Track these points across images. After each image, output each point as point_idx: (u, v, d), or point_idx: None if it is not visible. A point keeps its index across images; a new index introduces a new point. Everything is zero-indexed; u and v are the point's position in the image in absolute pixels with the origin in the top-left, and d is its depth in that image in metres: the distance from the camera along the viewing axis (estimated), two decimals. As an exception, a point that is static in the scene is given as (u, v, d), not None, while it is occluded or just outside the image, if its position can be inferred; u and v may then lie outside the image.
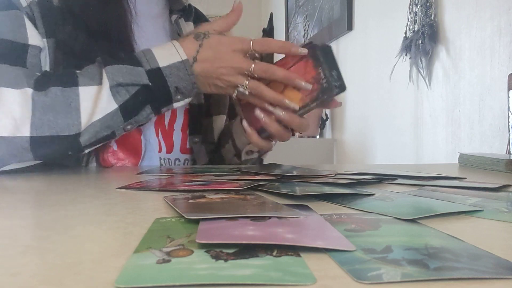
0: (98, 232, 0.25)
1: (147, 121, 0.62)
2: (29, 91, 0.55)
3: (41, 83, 0.56)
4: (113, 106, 0.57)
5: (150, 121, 0.70)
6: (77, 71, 0.58)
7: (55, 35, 0.64)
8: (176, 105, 0.62)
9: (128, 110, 0.58)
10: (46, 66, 0.63)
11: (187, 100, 0.63)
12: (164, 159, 0.74)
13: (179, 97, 0.61)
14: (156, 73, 0.58)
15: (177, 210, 0.30)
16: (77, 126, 0.56)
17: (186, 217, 0.27)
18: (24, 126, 0.54)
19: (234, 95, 0.62)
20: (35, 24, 0.63)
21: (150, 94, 0.59)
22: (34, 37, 0.62)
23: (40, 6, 0.63)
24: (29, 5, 0.63)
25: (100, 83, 0.57)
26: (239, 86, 0.60)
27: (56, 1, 0.65)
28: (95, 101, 0.56)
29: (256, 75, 0.60)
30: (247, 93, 0.60)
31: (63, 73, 0.60)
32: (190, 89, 0.61)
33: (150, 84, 0.58)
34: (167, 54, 0.59)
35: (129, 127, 0.60)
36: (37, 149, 0.55)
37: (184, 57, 0.59)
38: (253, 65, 0.60)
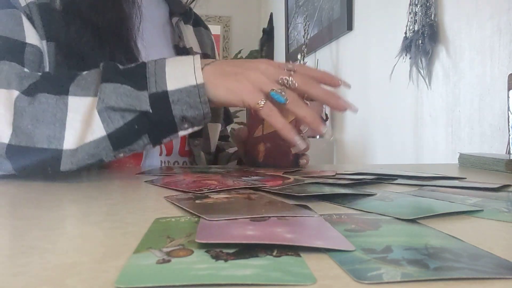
0: (98, 232, 0.25)
1: (143, 150, 0.53)
2: (15, 94, 0.49)
3: (33, 88, 0.50)
4: (101, 133, 0.47)
5: None
6: (74, 77, 0.51)
7: (55, 39, 0.62)
8: (182, 133, 0.51)
9: (120, 139, 0.48)
10: (45, 68, 0.62)
11: (196, 128, 0.51)
12: (164, 161, 0.74)
13: (186, 125, 0.50)
14: (160, 98, 0.48)
15: (194, 213, 0.29)
16: (58, 141, 0.47)
17: (207, 219, 0.27)
18: (4, 131, 0.47)
19: (262, 103, 0.48)
20: (33, 25, 0.62)
21: (149, 123, 0.49)
22: (31, 36, 0.60)
23: (41, 8, 0.62)
24: (28, 5, 0.62)
25: (95, 95, 0.49)
26: (274, 90, 0.48)
27: (58, 5, 0.64)
28: (86, 119, 0.48)
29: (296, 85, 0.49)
30: (285, 100, 0.48)
31: (58, 77, 0.53)
32: (201, 119, 0.50)
33: (151, 111, 0.48)
34: (180, 74, 0.49)
35: (121, 155, 0.50)
36: (14, 159, 0.48)
37: (200, 81, 0.49)
38: (292, 71, 0.49)
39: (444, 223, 0.28)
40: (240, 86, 0.49)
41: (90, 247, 0.22)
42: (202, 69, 0.50)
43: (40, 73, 0.54)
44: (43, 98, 0.48)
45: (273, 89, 0.48)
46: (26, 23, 0.61)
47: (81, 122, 0.48)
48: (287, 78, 0.49)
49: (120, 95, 0.48)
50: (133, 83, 0.49)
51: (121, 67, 0.52)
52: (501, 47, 1.17)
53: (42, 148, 0.47)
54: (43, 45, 0.62)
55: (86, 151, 0.48)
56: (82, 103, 0.48)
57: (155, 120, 0.49)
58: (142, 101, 0.48)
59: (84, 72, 0.52)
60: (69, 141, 0.47)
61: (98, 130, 0.47)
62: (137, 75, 0.50)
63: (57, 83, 0.50)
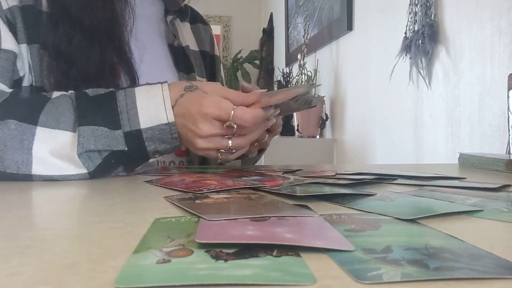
0: (97, 232, 0.25)
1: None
2: None
3: (2, 112, 0.50)
4: (83, 171, 0.51)
5: None
6: (44, 103, 0.52)
7: (39, 41, 0.61)
8: (152, 160, 0.57)
9: (98, 171, 0.52)
10: (22, 72, 0.61)
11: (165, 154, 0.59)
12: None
13: (157, 155, 0.57)
14: (134, 136, 0.52)
15: (194, 213, 0.29)
16: (26, 166, 0.49)
17: (207, 219, 0.27)
18: None
19: (219, 160, 0.56)
20: (14, 29, 0.60)
21: (124, 157, 0.53)
22: (7, 41, 0.59)
23: (24, 11, 0.61)
24: (10, 9, 0.60)
25: (65, 128, 0.50)
26: (221, 150, 0.55)
27: (45, 6, 0.62)
28: (60, 153, 0.50)
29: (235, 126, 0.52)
30: (233, 157, 0.56)
31: (28, 102, 0.53)
32: (172, 150, 0.56)
33: (126, 149, 0.52)
34: (152, 111, 0.52)
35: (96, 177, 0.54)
36: None
37: (171, 119, 0.52)
38: (226, 124, 0.52)
39: (444, 223, 0.28)
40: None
41: (89, 247, 0.22)
42: (173, 107, 0.53)
43: (8, 91, 0.55)
44: (12, 125, 0.49)
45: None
46: (3, 28, 0.60)
47: (51, 153, 0.49)
48: (226, 147, 0.54)
49: (98, 137, 0.51)
50: (107, 123, 0.51)
51: (90, 94, 0.54)
52: (501, 47, 1.17)
53: (12, 173, 0.49)
54: (21, 49, 0.61)
55: (68, 178, 0.51)
56: (51, 136, 0.50)
57: (130, 155, 0.53)
58: (118, 141, 0.51)
59: (54, 95, 0.54)
60: (37, 169, 0.50)
61: (80, 169, 0.51)
62: (109, 109, 0.52)
63: (26, 110, 0.51)
